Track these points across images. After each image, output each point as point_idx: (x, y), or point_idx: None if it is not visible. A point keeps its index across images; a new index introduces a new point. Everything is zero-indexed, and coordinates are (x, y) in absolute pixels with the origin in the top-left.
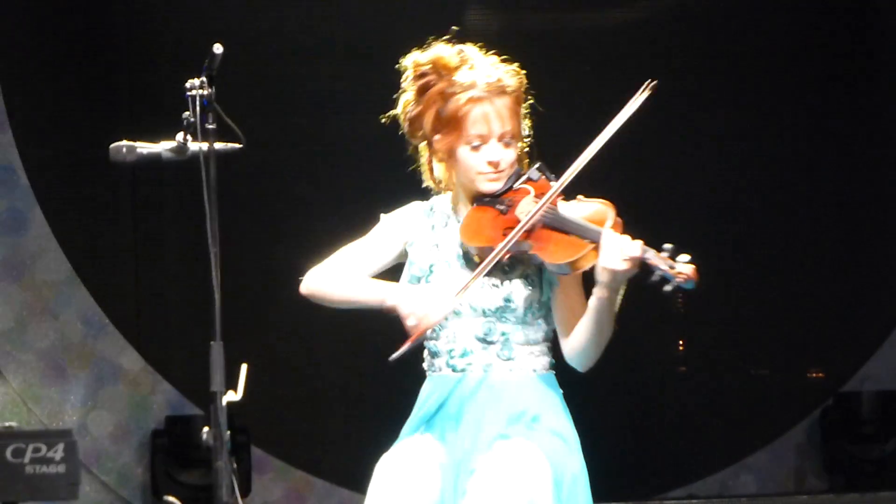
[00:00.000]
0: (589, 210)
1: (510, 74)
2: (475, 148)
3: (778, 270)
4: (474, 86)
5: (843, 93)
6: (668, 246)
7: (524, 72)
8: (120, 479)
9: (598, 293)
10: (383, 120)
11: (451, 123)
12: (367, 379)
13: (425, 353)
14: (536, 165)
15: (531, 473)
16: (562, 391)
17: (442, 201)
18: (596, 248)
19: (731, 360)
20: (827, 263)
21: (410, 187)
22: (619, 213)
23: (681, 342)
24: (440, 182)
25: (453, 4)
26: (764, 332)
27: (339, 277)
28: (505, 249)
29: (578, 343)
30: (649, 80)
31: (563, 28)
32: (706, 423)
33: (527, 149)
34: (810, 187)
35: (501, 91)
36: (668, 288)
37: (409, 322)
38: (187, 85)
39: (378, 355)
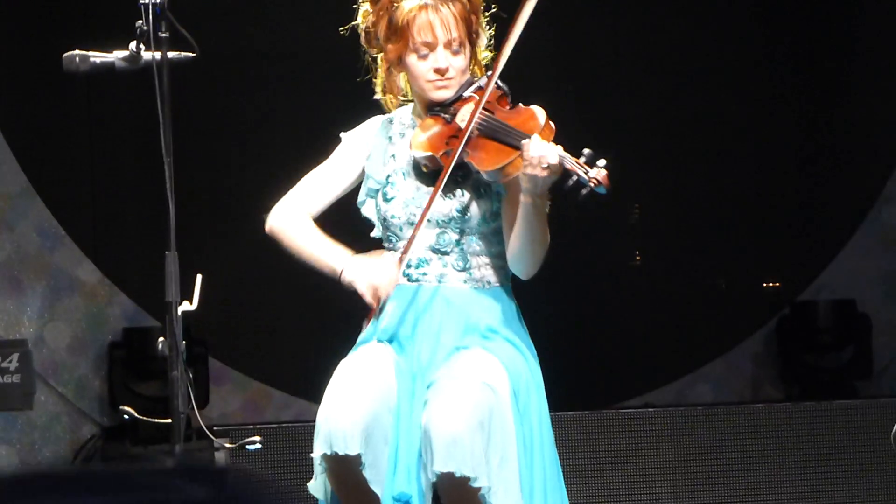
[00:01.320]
0: (522, 116)
1: None
2: (423, 56)
3: (734, 180)
4: None
5: (810, 15)
6: (586, 151)
7: None
8: (77, 390)
9: (523, 199)
10: (342, 31)
11: (399, 31)
12: (325, 290)
13: None
14: (488, 73)
15: (490, 383)
16: (517, 302)
17: (403, 112)
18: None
19: (688, 270)
20: (783, 173)
21: (370, 100)
22: (551, 118)
23: (637, 253)
24: (401, 92)
25: None
26: (719, 243)
27: (299, 231)
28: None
29: (512, 250)
30: None
31: None
32: (662, 333)
33: (488, 57)
34: (767, 95)
35: None
36: (583, 192)
37: (368, 298)
38: None
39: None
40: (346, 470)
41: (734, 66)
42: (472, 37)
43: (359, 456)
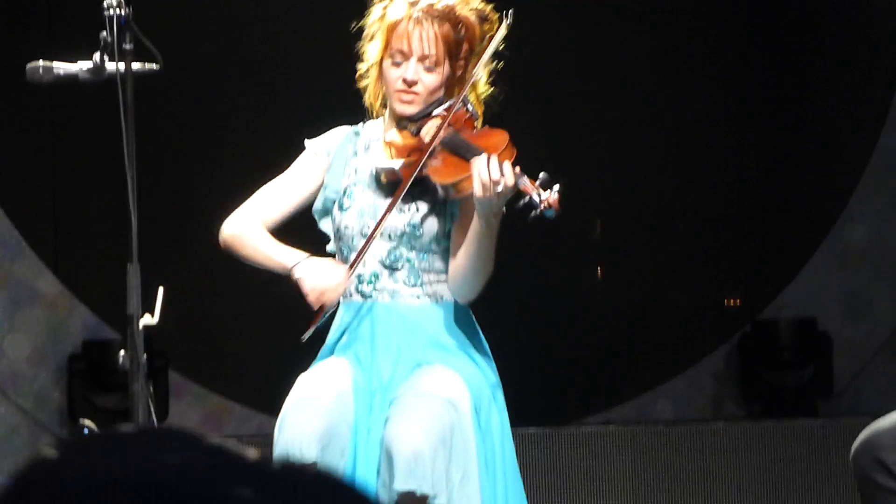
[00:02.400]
0: (485, 137)
1: (471, 9)
2: (396, 63)
3: (696, 196)
4: (417, 2)
5: (770, 26)
6: (542, 175)
7: (497, 15)
8: (37, 402)
9: (475, 218)
10: (352, 29)
11: (382, 34)
12: (286, 304)
13: None
14: (462, 97)
15: (452, 399)
16: (474, 316)
17: (371, 126)
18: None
19: (649, 286)
20: (745, 190)
21: (336, 109)
22: (514, 142)
23: (598, 269)
24: (379, 101)
25: None
26: (682, 259)
27: (249, 235)
28: (406, 186)
29: (454, 272)
30: (505, 11)
31: None
32: (623, 349)
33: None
34: (729, 111)
35: (441, 16)
36: (532, 213)
37: (311, 298)
38: (104, 3)
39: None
40: None
41: (697, 82)
42: (454, 61)
43: (314, 463)
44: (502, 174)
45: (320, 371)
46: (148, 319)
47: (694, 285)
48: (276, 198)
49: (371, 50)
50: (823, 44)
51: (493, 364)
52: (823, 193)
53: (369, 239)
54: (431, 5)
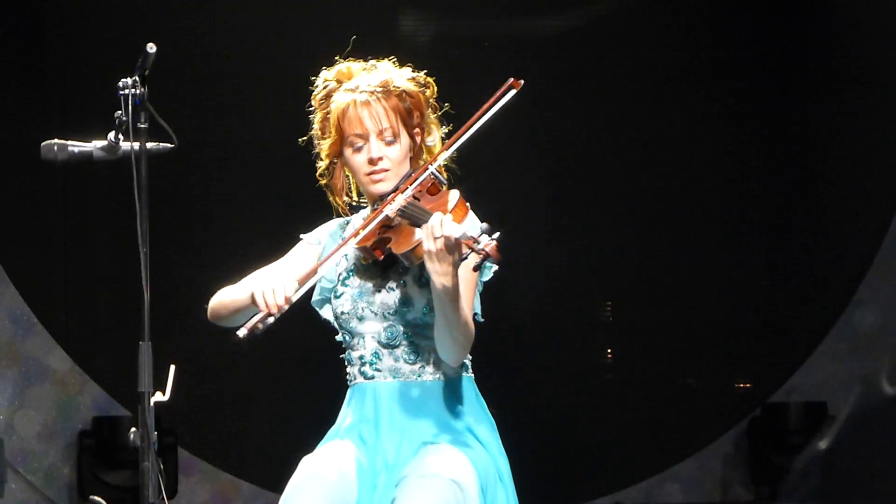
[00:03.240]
0: (438, 200)
1: (408, 79)
2: (357, 149)
3: (707, 280)
4: (356, 88)
5: (780, 105)
6: (482, 225)
7: (431, 79)
8: (47, 479)
9: (431, 281)
10: (301, 142)
11: (333, 126)
12: (295, 383)
13: (346, 363)
14: (424, 165)
15: (458, 480)
16: (481, 395)
17: (360, 216)
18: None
19: (660, 369)
20: (756, 275)
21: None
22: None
23: (609, 350)
24: (346, 189)
25: (387, 12)
26: (692, 342)
27: (226, 292)
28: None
29: (435, 338)
30: (512, 79)
31: (496, 35)
32: (633, 432)
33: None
34: (741, 195)
35: (383, 91)
36: (471, 262)
37: (257, 299)
38: (119, 84)
39: (305, 360)
40: None
41: (708, 163)
42: (410, 130)
43: None
44: (441, 230)
45: (323, 453)
46: (159, 397)
47: (704, 369)
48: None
49: (326, 146)
50: (836, 130)
51: (500, 442)
52: (834, 278)
53: (344, 242)
54: (370, 84)
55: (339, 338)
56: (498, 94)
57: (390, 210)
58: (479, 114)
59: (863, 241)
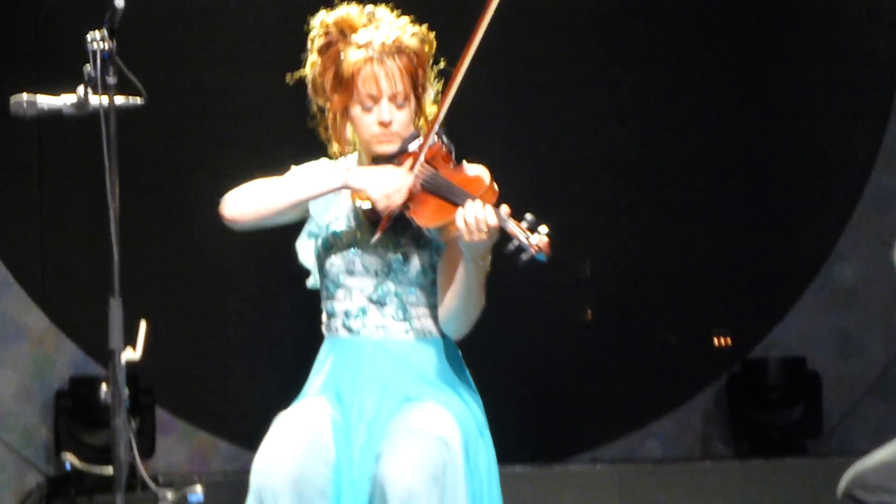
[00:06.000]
0: (467, 175)
1: (413, 35)
2: (367, 109)
3: (685, 236)
4: (369, 45)
5: (755, 57)
6: (528, 217)
7: (432, 34)
8: (23, 439)
9: (463, 260)
10: (288, 80)
11: (344, 82)
12: (273, 340)
13: (323, 315)
14: (435, 129)
15: (444, 437)
16: (461, 353)
17: (349, 161)
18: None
19: (638, 325)
20: (734, 230)
21: (316, 149)
22: (495, 179)
23: (588, 308)
24: (350, 144)
25: None
26: (670, 298)
27: (274, 182)
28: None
29: (447, 308)
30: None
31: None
32: (612, 388)
33: (434, 112)
34: (719, 150)
35: (397, 51)
36: (522, 257)
37: (380, 204)
38: (88, 38)
39: (282, 314)
40: None
41: (685, 119)
42: (417, 90)
43: None
44: (488, 220)
45: (296, 413)
46: (130, 354)
47: (683, 325)
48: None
49: (332, 99)
50: (814, 83)
51: (480, 401)
52: (813, 233)
53: (422, 145)
54: (383, 43)
55: (312, 283)
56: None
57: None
58: (475, 31)
59: (842, 196)
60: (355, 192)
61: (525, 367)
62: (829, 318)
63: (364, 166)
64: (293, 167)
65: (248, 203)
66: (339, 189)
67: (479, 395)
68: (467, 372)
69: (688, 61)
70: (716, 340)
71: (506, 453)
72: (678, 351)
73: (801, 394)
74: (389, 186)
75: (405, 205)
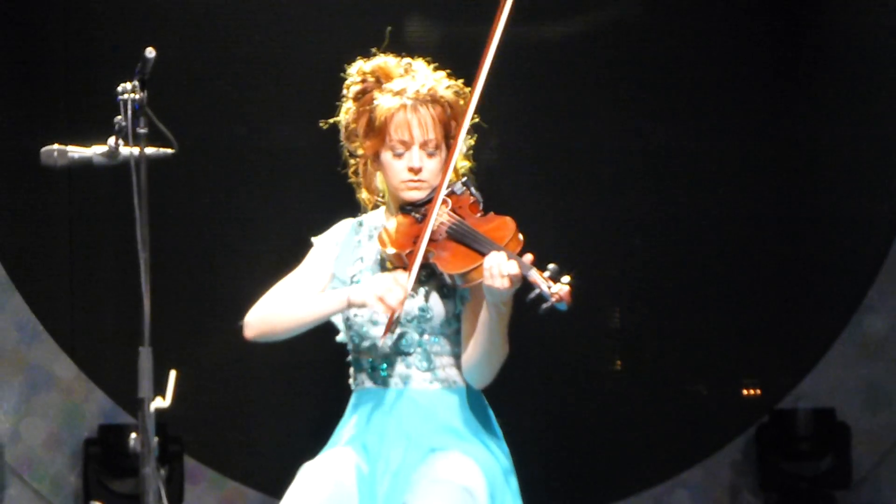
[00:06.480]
0: (492, 224)
1: (448, 87)
2: (398, 155)
3: (715, 286)
4: (403, 92)
5: (787, 111)
6: (551, 266)
7: (468, 88)
8: (52, 487)
9: (484, 309)
10: (323, 125)
11: (377, 128)
12: (302, 390)
13: (350, 368)
14: (463, 180)
15: (468, 487)
16: (488, 403)
17: (374, 215)
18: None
19: (667, 375)
20: (764, 280)
21: (350, 197)
22: (525, 229)
23: (616, 357)
24: (380, 193)
25: (394, 16)
26: (700, 349)
27: (286, 305)
28: (414, 269)
29: (469, 357)
30: None
31: (503, 41)
32: (642, 438)
33: (466, 165)
34: (748, 201)
35: (431, 100)
36: (543, 307)
37: (378, 308)
38: (119, 89)
39: (311, 366)
40: None
41: (714, 171)
42: (448, 140)
43: None
44: (510, 268)
45: (321, 462)
46: (160, 403)
47: (712, 375)
48: (293, 290)
49: (363, 145)
50: (844, 134)
51: (507, 449)
52: (843, 284)
53: (414, 257)
54: (418, 91)
55: (341, 338)
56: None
57: (436, 227)
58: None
59: (872, 247)
60: (355, 303)
61: (554, 417)
62: (859, 369)
63: (390, 220)
64: (314, 240)
65: (263, 329)
66: (344, 309)
67: (507, 445)
68: (494, 421)
69: (719, 115)
70: (745, 391)
71: (535, 503)
72: (707, 401)
73: (831, 445)
74: (383, 287)
75: (430, 251)
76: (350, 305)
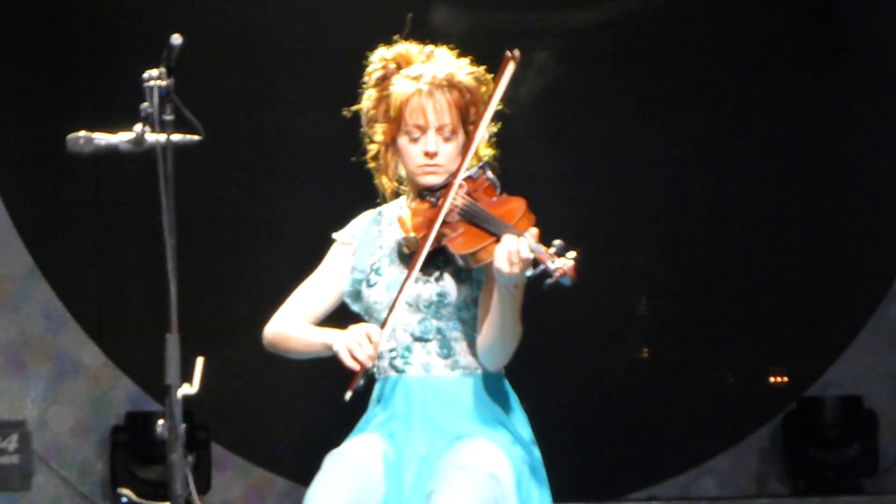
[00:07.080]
0: (503, 206)
1: (468, 73)
2: (414, 140)
3: (742, 274)
4: (420, 77)
5: (812, 96)
6: (556, 242)
7: (490, 76)
8: (80, 474)
9: (496, 290)
10: (345, 113)
11: (393, 113)
12: (328, 376)
13: None
14: (480, 164)
15: (496, 473)
16: (514, 391)
17: (392, 206)
18: (496, 243)
19: (695, 363)
20: (791, 268)
21: (370, 189)
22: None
23: (644, 345)
24: (396, 176)
25: (422, 3)
26: (727, 336)
27: (291, 330)
28: (424, 251)
29: (482, 340)
30: (510, 52)
31: (529, 29)
32: (669, 426)
33: (489, 154)
34: (776, 188)
35: (447, 85)
36: (547, 282)
37: (344, 360)
38: (145, 76)
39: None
40: None
41: (742, 156)
42: (466, 126)
43: None
44: (521, 252)
45: (348, 448)
46: (187, 389)
47: (740, 363)
48: (312, 294)
49: (381, 130)
50: (871, 126)
51: (533, 437)
52: (870, 271)
53: (394, 302)
54: (435, 76)
55: None
56: (500, 73)
57: (449, 209)
58: (490, 97)
59: None
60: (331, 349)
61: (581, 405)
62: (886, 356)
63: (409, 207)
64: (334, 236)
65: (273, 348)
66: (326, 346)
67: (533, 432)
68: (520, 408)
69: (746, 103)
70: (772, 379)
71: (561, 491)
72: (734, 389)
73: (858, 432)
74: (353, 341)
75: (442, 233)
76: (328, 350)
